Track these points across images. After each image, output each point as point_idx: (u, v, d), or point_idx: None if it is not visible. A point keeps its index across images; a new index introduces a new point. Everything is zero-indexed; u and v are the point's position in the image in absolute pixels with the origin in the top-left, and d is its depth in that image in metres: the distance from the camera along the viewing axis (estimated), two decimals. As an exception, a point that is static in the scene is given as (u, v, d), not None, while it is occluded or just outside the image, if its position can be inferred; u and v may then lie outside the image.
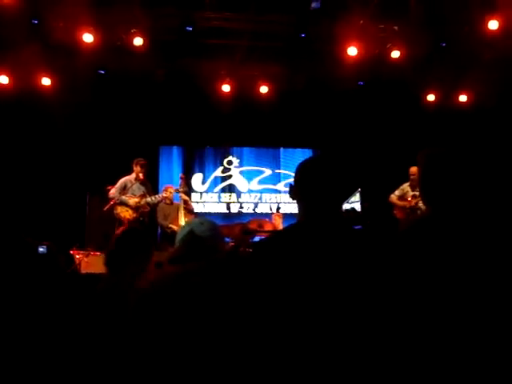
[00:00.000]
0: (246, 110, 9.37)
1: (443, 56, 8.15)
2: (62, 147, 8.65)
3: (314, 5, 7.11)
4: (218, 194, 10.07)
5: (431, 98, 9.33)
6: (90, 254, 6.80)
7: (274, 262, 1.70)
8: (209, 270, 2.31)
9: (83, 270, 6.54)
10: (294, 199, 1.89)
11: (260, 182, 10.22)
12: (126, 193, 7.07)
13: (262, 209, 10.06)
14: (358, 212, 7.52)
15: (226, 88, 8.90)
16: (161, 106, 9.11)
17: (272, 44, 8.18)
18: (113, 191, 7.05)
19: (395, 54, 7.95)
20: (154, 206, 7.39)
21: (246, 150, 10.30)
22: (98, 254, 6.88)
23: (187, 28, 7.46)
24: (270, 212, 9.80)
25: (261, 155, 10.34)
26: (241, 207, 10.04)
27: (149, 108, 9.00)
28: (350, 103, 9.33)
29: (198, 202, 9.74)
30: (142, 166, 7.15)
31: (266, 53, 8.36)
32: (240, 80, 8.96)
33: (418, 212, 6.57)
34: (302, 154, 10.01)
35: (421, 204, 6.52)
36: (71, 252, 6.73)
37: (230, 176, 10.15)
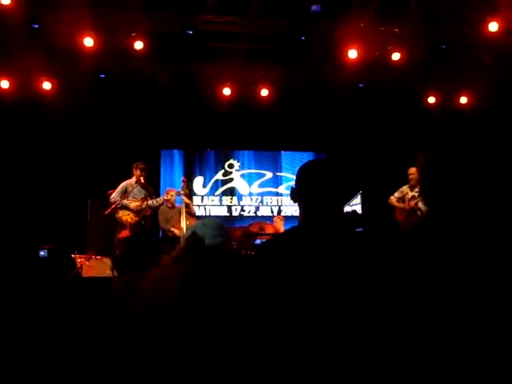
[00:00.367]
0: (247, 113, 9.39)
1: (443, 58, 8.16)
2: (63, 151, 8.66)
3: (314, 8, 7.11)
4: (219, 197, 10.07)
5: (432, 100, 9.34)
6: (91, 257, 6.81)
7: (276, 264, 1.70)
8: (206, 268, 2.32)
9: (85, 274, 6.54)
10: (295, 202, 1.89)
11: (261, 185, 10.23)
12: (127, 196, 7.07)
13: (264, 211, 10.06)
14: (359, 214, 7.51)
15: (226, 91, 8.92)
16: (161, 109, 9.12)
17: (272, 47, 8.19)
18: (114, 195, 7.07)
19: (395, 56, 7.97)
20: (155, 209, 7.39)
21: (246, 153, 10.31)
22: (100, 257, 6.89)
23: (188, 32, 7.49)
24: (271, 215, 9.80)
25: (261, 158, 10.35)
26: (242, 210, 10.04)
27: (150, 112, 9.01)
28: (350, 106, 9.35)
29: (199, 206, 9.75)
30: (141, 170, 7.16)
31: (266, 56, 8.37)
32: (241, 83, 8.98)
33: (418, 213, 6.57)
34: (302, 157, 10.03)
35: (420, 205, 6.52)
36: (73, 256, 6.74)
37: (231, 179, 10.16)
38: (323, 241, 1.72)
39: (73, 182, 8.71)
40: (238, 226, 8.32)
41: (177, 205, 7.60)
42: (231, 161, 10.19)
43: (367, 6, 7.25)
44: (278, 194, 10.26)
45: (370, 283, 1.65)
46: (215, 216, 9.81)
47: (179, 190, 7.49)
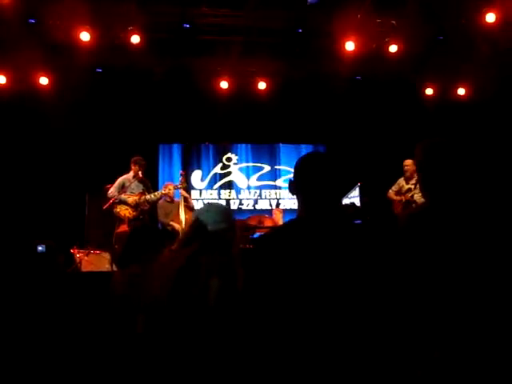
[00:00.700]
0: (244, 107, 9.37)
1: (441, 49, 8.14)
2: (61, 146, 8.63)
3: (311, 0, 7.09)
4: (217, 191, 10.07)
5: (429, 91, 9.33)
6: (90, 252, 6.82)
7: (275, 256, 1.71)
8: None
9: (84, 269, 6.56)
10: (293, 194, 1.89)
11: (259, 179, 10.23)
12: (125, 191, 7.07)
13: (262, 205, 10.06)
14: (358, 207, 7.52)
15: (224, 85, 8.89)
16: (159, 103, 9.10)
17: (269, 40, 8.16)
18: (111, 190, 7.06)
19: (393, 48, 7.95)
20: (153, 203, 7.39)
21: (244, 146, 10.30)
22: (99, 252, 6.91)
23: (184, 25, 7.46)
24: (269, 208, 9.80)
25: (260, 151, 10.33)
26: (240, 204, 10.04)
27: (147, 106, 8.99)
28: (348, 98, 9.33)
29: (197, 199, 9.74)
30: (139, 165, 7.16)
31: (263, 49, 8.33)
32: (238, 76, 8.95)
33: (413, 205, 6.57)
34: (300, 150, 10.01)
35: (416, 197, 6.53)
36: (72, 251, 6.75)
37: (229, 173, 10.15)
38: (322, 233, 1.73)
39: (71, 176, 8.70)
40: (236, 219, 8.32)
41: (176, 199, 7.60)
42: (229, 154, 10.18)
43: (364, -2, 7.24)
44: (276, 188, 10.26)
45: (368, 275, 1.66)
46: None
47: (177, 183, 7.48)
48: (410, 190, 6.81)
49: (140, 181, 7.22)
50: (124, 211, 7.06)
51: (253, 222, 7.88)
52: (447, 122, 8.83)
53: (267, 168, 10.29)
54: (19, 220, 7.68)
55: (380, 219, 7.08)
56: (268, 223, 7.88)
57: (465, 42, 7.98)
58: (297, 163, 1.90)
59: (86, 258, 6.68)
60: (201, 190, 9.99)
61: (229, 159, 10.17)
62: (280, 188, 10.22)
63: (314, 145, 10.10)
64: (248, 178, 10.20)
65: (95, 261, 6.75)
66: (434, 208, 2.01)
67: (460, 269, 1.82)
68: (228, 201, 10.01)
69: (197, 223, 2.44)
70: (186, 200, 7.41)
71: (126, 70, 8.48)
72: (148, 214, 7.36)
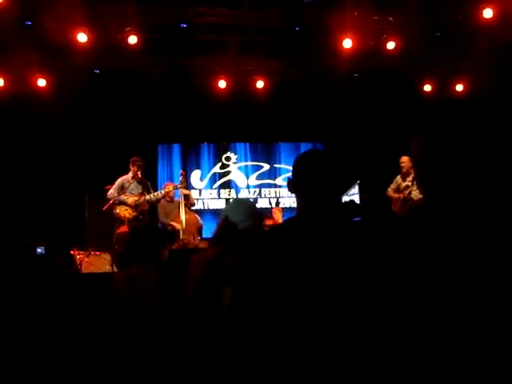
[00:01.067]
0: (243, 106, 9.37)
1: (439, 46, 8.13)
2: (60, 148, 8.64)
3: (307, -2, 7.09)
4: (217, 191, 10.07)
5: (428, 88, 9.32)
6: (90, 253, 6.82)
7: (274, 254, 1.71)
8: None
9: (84, 270, 6.55)
10: (292, 193, 1.89)
11: (258, 178, 10.22)
12: (125, 192, 7.08)
13: (262, 204, 10.06)
14: (357, 204, 7.51)
15: (222, 84, 8.89)
16: (157, 103, 9.10)
17: (267, 38, 8.14)
18: (111, 191, 7.08)
19: (390, 45, 7.95)
20: (153, 204, 7.39)
21: (243, 145, 10.30)
22: (99, 253, 6.90)
23: (181, 25, 7.45)
24: (269, 206, 9.80)
25: (259, 150, 10.34)
26: (240, 203, 10.02)
27: (145, 106, 8.98)
28: (347, 96, 9.32)
29: (197, 199, 9.73)
30: (138, 165, 7.17)
31: (260, 47, 8.32)
32: (236, 75, 8.95)
33: (410, 202, 6.58)
34: (299, 148, 10.02)
35: (413, 194, 6.54)
36: (72, 252, 6.74)
37: (228, 172, 10.15)
38: (321, 230, 1.72)
39: (70, 178, 8.70)
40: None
41: (176, 198, 7.60)
42: (228, 153, 10.18)
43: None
44: (275, 186, 10.26)
45: (368, 272, 1.66)
46: (213, 209, 9.81)
47: (177, 183, 7.48)
48: (407, 187, 6.82)
49: (139, 181, 7.23)
50: (124, 212, 7.07)
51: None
52: (446, 119, 8.81)
53: (266, 167, 10.30)
54: (19, 222, 7.67)
55: (379, 216, 7.08)
56: (268, 222, 7.87)
57: (462, 38, 7.97)
58: (295, 161, 1.89)
59: (86, 259, 6.68)
60: (200, 190, 9.99)
61: (228, 158, 10.17)
62: (279, 186, 10.22)
63: (313, 142, 10.10)
64: (247, 176, 10.20)
65: (95, 262, 6.75)
66: (431, 203, 2.01)
67: (459, 264, 1.82)
68: (227, 200, 10.01)
69: (226, 223, 2.45)
70: (187, 198, 7.38)
71: (123, 70, 8.47)
72: (148, 215, 7.36)
